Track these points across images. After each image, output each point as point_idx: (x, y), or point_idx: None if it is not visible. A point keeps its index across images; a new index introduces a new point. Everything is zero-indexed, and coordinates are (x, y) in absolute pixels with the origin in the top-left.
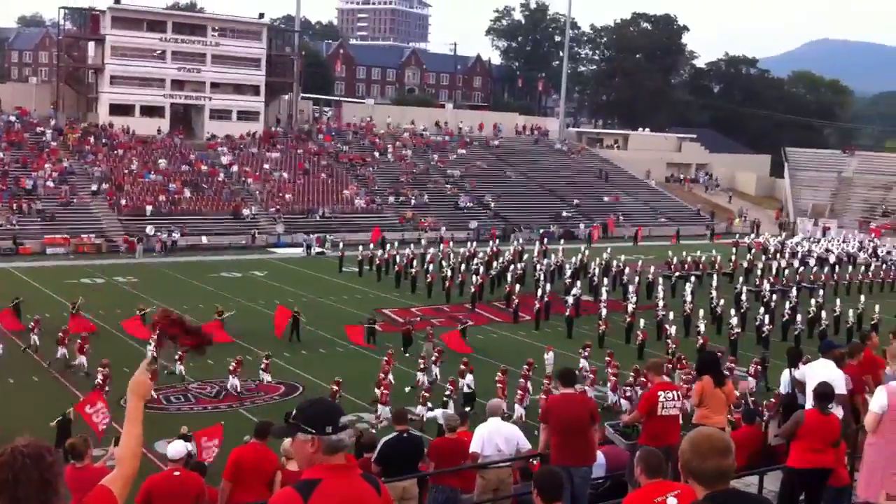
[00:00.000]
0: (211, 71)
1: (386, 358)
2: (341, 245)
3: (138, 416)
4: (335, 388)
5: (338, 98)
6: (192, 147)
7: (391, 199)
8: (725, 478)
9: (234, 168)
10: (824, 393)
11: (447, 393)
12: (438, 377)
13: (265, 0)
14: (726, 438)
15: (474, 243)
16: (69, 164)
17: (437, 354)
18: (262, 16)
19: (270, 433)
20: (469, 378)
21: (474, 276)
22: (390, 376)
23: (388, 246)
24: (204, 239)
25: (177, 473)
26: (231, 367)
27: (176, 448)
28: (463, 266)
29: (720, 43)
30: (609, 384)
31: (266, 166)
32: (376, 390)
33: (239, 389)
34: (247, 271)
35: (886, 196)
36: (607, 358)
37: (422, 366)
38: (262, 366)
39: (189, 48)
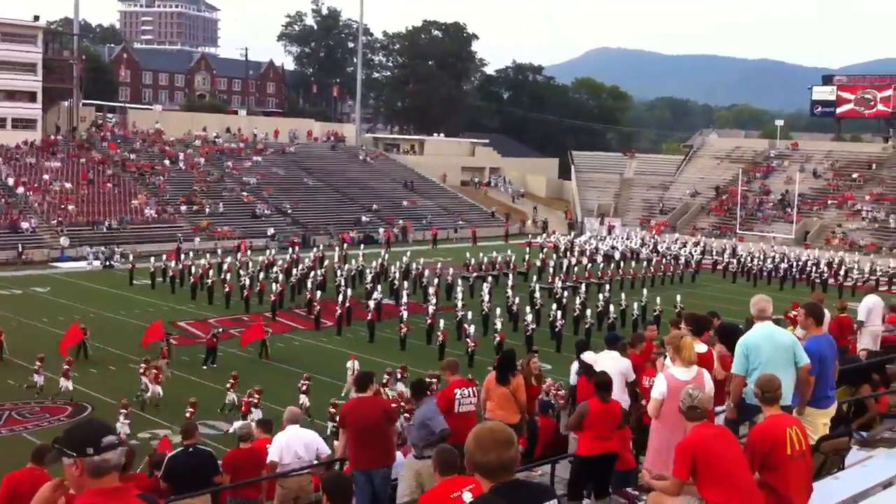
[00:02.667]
0: None
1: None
2: (131, 257)
3: None
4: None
5: (123, 104)
6: None
7: (184, 208)
8: (509, 469)
9: (10, 179)
10: (603, 382)
11: (254, 401)
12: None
13: (41, 2)
14: (508, 431)
15: (273, 251)
16: None
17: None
18: (37, 18)
19: (45, 459)
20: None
21: (274, 284)
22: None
23: (182, 256)
24: None
25: None
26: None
27: None
28: (262, 274)
29: (508, 51)
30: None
31: (46, 177)
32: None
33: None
34: (27, 287)
35: (664, 195)
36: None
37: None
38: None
39: None
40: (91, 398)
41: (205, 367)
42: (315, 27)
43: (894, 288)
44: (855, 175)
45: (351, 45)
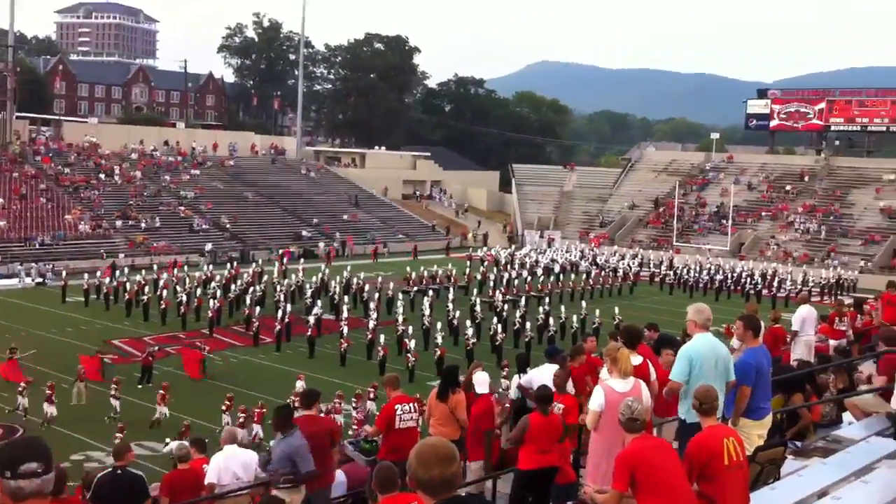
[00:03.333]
0: None
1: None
2: (64, 273)
3: None
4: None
5: (58, 117)
6: None
7: (119, 223)
8: (450, 486)
9: None
10: (544, 395)
11: (185, 422)
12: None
13: None
14: (450, 447)
15: (210, 266)
16: None
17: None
18: None
19: None
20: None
21: (211, 301)
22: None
23: (117, 273)
24: None
25: None
26: None
27: None
28: (199, 290)
29: (450, 64)
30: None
31: None
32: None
33: None
34: None
35: (603, 208)
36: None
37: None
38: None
39: None
40: (20, 419)
41: (140, 386)
42: (256, 39)
43: (826, 299)
44: (788, 187)
45: (292, 57)
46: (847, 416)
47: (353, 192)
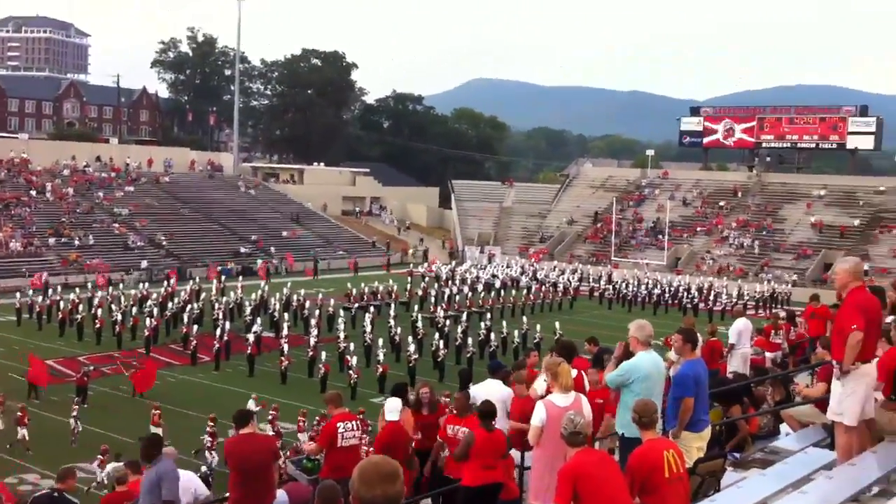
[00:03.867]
0: None
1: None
2: None
3: None
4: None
5: None
6: None
7: (52, 240)
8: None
9: None
10: (487, 411)
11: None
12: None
13: None
14: (393, 465)
15: (146, 284)
16: None
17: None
18: None
19: None
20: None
21: (148, 319)
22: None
23: (49, 291)
24: None
25: None
26: None
27: None
28: (135, 309)
29: (388, 80)
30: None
31: None
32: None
33: None
34: None
35: (542, 223)
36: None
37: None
38: None
39: None
40: None
41: (75, 408)
42: (190, 54)
43: (762, 312)
44: (722, 203)
45: (228, 72)
46: (784, 428)
47: (292, 209)
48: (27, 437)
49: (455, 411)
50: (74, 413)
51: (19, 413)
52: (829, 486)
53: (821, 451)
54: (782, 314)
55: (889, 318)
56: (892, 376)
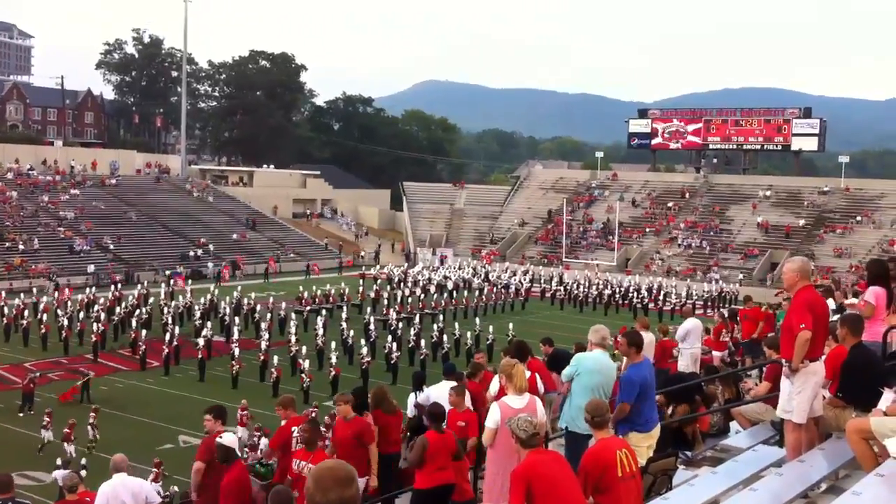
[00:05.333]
0: None
1: None
2: None
3: None
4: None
5: None
6: None
7: None
8: None
9: None
10: (436, 413)
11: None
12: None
13: None
14: (348, 469)
15: (93, 289)
16: None
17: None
18: None
19: None
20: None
21: (95, 324)
22: None
23: None
24: None
25: None
26: None
27: None
28: (82, 314)
29: (338, 82)
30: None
31: None
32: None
33: None
34: None
35: (493, 225)
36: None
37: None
38: None
39: None
40: None
41: (21, 415)
42: (136, 55)
43: (711, 311)
44: (670, 204)
45: (175, 74)
46: (735, 426)
47: (241, 211)
48: None
49: (303, 445)
50: (92, 421)
51: None
52: (778, 483)
53: (770, 448)
54: (726, 313)
55: (835, 317)
56: (838, 374)
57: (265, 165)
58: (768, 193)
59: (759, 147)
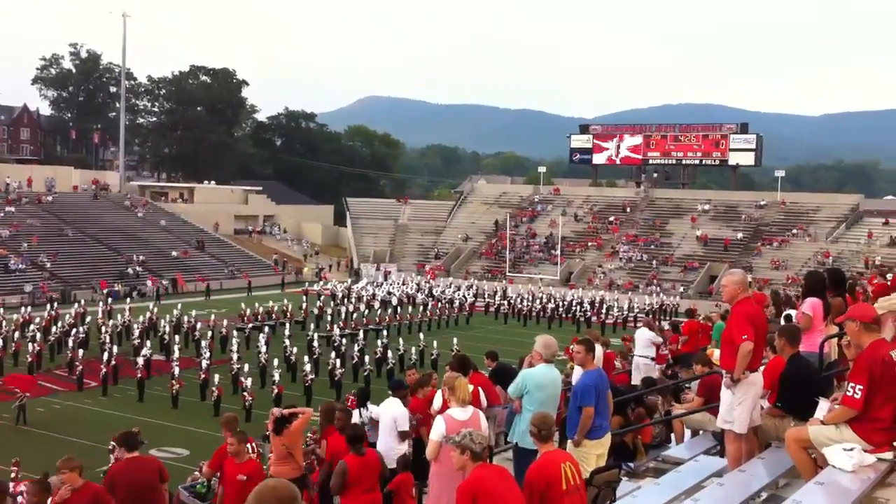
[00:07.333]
0: None
1: None
2: None
3: None
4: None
5: None
6: None
7: None
8: None
9: None
10: (356, 435)
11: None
12: None
13: None
14: (291, 488)
15: (29, 308)
16: None
17: None
18: None
19: None
20: None
21: (31, 344)
22: None
23: None
24: None
25: None
26: None
27: None
28: (17, 333)
29: (279, 98)
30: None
31: None
32: None
33: None
34: None
35: (437, 240)
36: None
37: None
38: None
39: None
40: None
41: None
42: (73, 71)
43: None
44: (612, 218)
45: (113, 89)
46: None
47: (181, 228)
48: None
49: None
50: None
51: None
52: (720, 492)
53: (711, 458)
54: (667, 326)
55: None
56: (777, 384)
57: (206, 182)
58: (707, 207)
59: (697, 162)
